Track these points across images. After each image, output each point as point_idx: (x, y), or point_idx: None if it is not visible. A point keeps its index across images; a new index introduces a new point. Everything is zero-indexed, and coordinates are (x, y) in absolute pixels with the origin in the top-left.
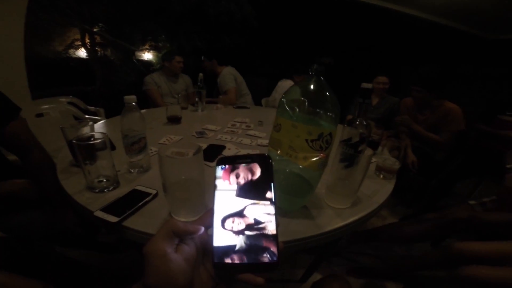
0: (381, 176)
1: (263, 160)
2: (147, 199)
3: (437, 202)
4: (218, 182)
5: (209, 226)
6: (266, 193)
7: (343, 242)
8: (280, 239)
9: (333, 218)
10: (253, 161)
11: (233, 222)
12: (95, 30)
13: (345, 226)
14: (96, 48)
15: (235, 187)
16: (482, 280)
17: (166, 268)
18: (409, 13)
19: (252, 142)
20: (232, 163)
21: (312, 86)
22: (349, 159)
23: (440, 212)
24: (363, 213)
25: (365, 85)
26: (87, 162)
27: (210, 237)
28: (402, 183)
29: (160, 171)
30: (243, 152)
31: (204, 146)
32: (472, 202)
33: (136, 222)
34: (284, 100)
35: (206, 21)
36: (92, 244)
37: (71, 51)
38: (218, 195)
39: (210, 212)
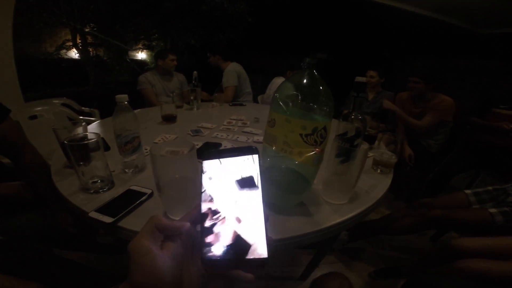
0: (378, 171)
1: (250, 153)
2: (142, 198)
3: (434, 196)
4: (205, 177)
5: (197, 222)
6: (254, 186)
7: (342, 238)
8: (278, 236)
9: (331, 214)
10: (240, 154)
11: (221, 217)
12: (86, 30)
13: (343, 222)
14: (88, 48)
15: (222, 181)
16: (478, 272)
17: (151, 265)
18: (402, 8)
19: (248, 139)
20: (219, 157)
21: (305, 80)
22: (345, 153)
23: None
24: (361, 208)
25: (359, 79)
26: (81, 163)
27: (198, 233)
28: (399, 177)
29: (153, 170)
30: None
31: (200, 144)
32: (467, 191)
33: (132, 222)
34: (277, 94)
35: (199, 18)
36: (90, 246)
37: (63, 51)
38: (205, 190)
39: (197, 208)
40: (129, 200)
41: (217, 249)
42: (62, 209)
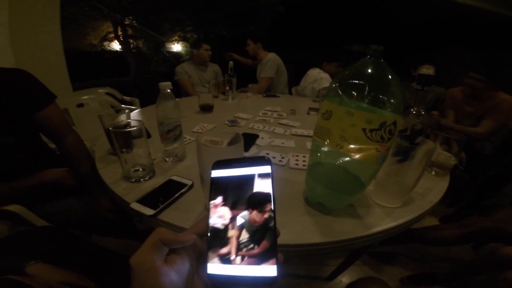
0: (433, 173)
1: (263, 164)
2: (182, 190)
3: (482, 202)
4: (214, 187)
5: (204, 234)
6: (266, 199)
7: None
8: (324, 239)
9: (383, 218)
10: (252, 165)
11: (229, 231)
12: (126, 22)
13: (397, 227)
14: (129, 40)
15: (232, 193)
16: None
17: (154, 282)
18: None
19: (285, 131)
20: (229, 167)
21: (369, 69)
22: (404, 152)
23: (481, 217)
24: (416, 213)
25: (425, 71)
26: (124, 150)
27: (204, 246)
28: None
29: (198, 160)
30: (277, 141)
31: None
32: None
33: (172, 215)
34: (336, 84)
35: (230, 8)
36: (129, 232)
37: (106, 43)
38: (213, 201)
39: (204, 219)
40: (170, 191)
41: (224, 264)
42: (102, 194)
